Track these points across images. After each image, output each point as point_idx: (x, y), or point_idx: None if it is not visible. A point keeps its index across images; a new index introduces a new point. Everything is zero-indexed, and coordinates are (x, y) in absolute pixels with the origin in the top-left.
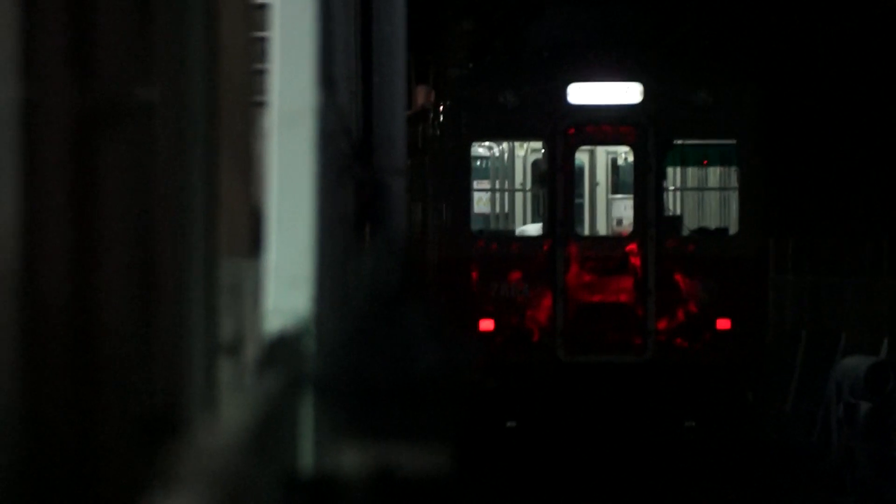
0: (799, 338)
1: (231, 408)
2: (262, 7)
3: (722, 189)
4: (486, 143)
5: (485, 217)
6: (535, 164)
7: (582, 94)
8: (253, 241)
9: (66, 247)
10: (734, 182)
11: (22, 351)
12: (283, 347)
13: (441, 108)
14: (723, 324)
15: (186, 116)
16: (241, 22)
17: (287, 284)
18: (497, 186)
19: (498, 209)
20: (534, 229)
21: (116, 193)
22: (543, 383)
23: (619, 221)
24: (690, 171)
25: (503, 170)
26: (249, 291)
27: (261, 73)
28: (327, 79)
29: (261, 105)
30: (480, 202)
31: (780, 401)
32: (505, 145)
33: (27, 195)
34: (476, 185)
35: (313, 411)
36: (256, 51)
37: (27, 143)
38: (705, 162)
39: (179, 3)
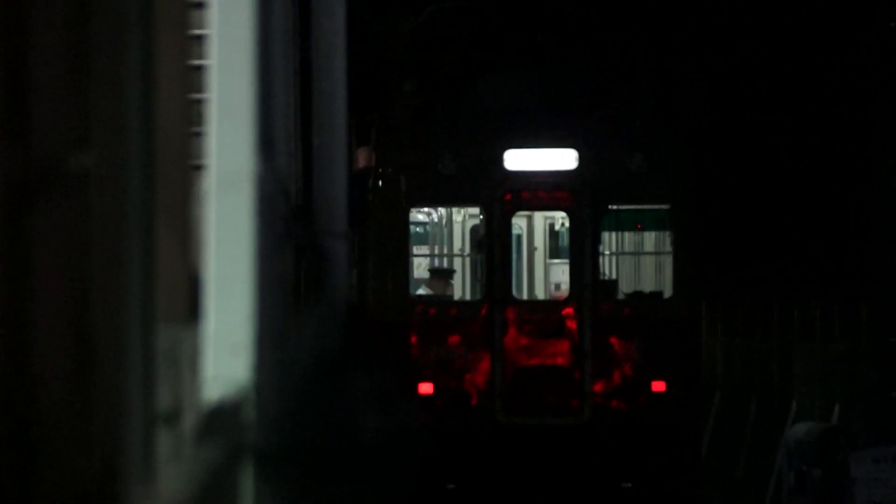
0: (749, 403)
1: (169, 479)
2: (200, 69)
3: (657, 253)
4: (425, 209)
5: (424, 282)
6: (473, 229)
7: (518, 160)
8: (191, 306)
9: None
10: (668, 246)
11: None
12: (222, 416)
13: (380, 172)
14: (658, 386)
15: (123, 181)
16: (178, 84)
17: (226, 351)
18: (436, 252)
19: None
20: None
21: (51, 260)
22: (483, 445)
23: (557, 286)
24: (626, 235)
25: (442, 235)
26: (187, 359)
27: (198, 136)
28: (266, 141)
29: (198, 168)
30: (419, 267)
31: (730, 466)
32: (443, 211)
33: None
34: (415, 250)
35: (254, 481)
36: (194, 113)
37: None
38: (640, 227)
39: (116, 65)
